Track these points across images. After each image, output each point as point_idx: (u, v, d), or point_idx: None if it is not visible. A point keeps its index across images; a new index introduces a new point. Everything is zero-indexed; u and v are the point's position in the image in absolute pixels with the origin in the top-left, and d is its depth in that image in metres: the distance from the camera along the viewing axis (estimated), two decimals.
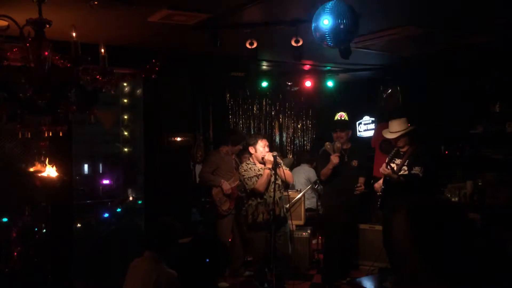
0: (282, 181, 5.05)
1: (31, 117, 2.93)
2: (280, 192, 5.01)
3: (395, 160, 5.42)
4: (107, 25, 4.33)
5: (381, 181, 5.54)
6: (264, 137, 5.21)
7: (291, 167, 7.01)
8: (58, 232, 4.97)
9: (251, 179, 4.91)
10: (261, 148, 4.96)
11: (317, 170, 5.79)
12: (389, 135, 5.41)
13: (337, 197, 5.59)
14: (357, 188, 5.60)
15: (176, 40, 5.03)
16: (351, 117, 7.84)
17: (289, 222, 5.27)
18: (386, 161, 5.50)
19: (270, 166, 4.83)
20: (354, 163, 5.59)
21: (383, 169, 5.37)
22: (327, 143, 5.56)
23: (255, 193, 4.94)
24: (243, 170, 4.99)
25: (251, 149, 5.04)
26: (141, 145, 6.29)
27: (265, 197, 4.91)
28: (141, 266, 3.26)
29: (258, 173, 4.94)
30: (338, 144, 5.44)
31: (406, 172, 5.25)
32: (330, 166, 5.40)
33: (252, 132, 7.46)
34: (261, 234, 4.93)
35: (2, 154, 5.04)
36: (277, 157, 4.92)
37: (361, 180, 5.64)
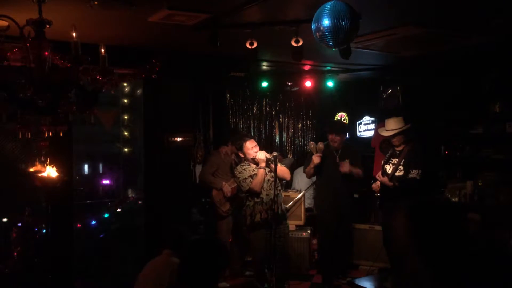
0: (278, 179, 5.02)
1: (31, 117, 2.93)
2: (277, 189, 4.99)
3: (391, 160, 5.44)
4: (107, 25, 4.33)
5: (378, 182, 5.56)
6: (250, 137, 5.11)
7: (292, 167, 7.01)
8: (58, 232, 4.97)
9: (245, 181, 4.85)
10: (250, 151, 4.87)
11: (303, 168, 5.85)
12: (384, 133, 5.47)
13: (329, 198, 5.62)
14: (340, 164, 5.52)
15: (176, 40, 5.03)
16: (351, 117, 7.88)
17: (288, 221, 5.27)
18: (383, 162, 5.52)
19: (263, 165, 4.81)
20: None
21: (379, 176, 5.40)
22: (311, 142, 5.67)
23: (252, 194, 4.92)
24: (237, 172, 4.93)
25: (241, 154, 4.99)
26: (141, 145, 6.30)
27: (261, 196, 4.88)
28: (159, 261, 3.66)
29: (253, 173, 4.87)
30: (321, 145, 5.53)
31: (402, 173, 5.26)
32: (311, 165, 5.51)
33: (252, 133, 7.46)
34: (260, 234, 4.92)
35: (2, 154, 5.04)
36: (277, 157, 4.90)
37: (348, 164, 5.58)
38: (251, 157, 4.86)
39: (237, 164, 6.10)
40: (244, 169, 4.91)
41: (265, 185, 4.84)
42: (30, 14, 2.93)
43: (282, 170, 5.02)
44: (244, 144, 4.90)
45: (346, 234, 5.98)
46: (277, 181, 4.98)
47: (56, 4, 3.40)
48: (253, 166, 4.93)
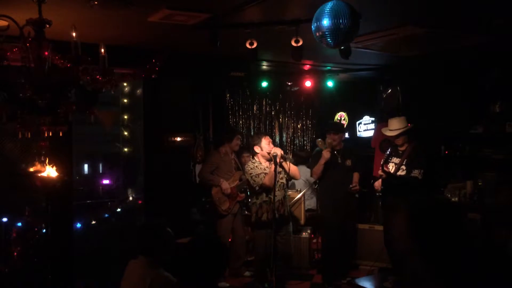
0: (287, 179, 5.14)
1: (31, 117, 2.93)
2: (284, 191, 5.11)
3: (392, 158, 5.44)
4: (107, 25, 4.33)
5: (380, 181, 5.56)
6: (266, 134, 5.33)
7: None
8: (58, 232, 4.96)
9: (258, 176, 5.00)
10: (266, 146, 5.06)
11: (310, 169, 5.85)
12: (388, 133, 5.47)
13: (332, 197, 5.62)
14: (352, 188, 5.62)
15: (176, 40, 5.03)
16: (351, 117, 7.89)
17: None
18: (382, 161, 5.52)
19: (278, 159, 4.88)
20: (348, 162, 5.66)
21: (379, 173, 5.42)
22: (319, 139, 5.65)
23: (262, 190, 5.01)
24: (249, 169, 5.07)
25: (257, 149, 5.12)
26: (141, 145, 6.29)
27: (270, 196, 4.95)
28: (135, 270, 3.13)
29: (264, 171, 5.01)
30: (329, 140, 5.53)
31: (404, 172, 5.27)
32: (322, 161, 5.48)
33: (252, 132, 7.47)
34: (263, 233, 4.99)
35: (2, 154, 5.04)
36: (281, 153, 4.99)
37: (356, 175, 5.68)
38: (268, 151, 4.98)
39: (237, 164, 6.14)
40: (256, 166, 5.06)
41: (275, 186, 4.90)
42: (30, 14, 2.93)
43: (294, 169, 5.17)
44: (262, 139, 5.10)
45: (350, 234, 5.99)
46: (285, 183, 5.10)
47: (56, 4, 3.40)
48: (265, 164, 5.03)
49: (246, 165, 5.21)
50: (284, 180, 5.11)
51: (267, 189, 4.98)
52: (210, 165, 6.05)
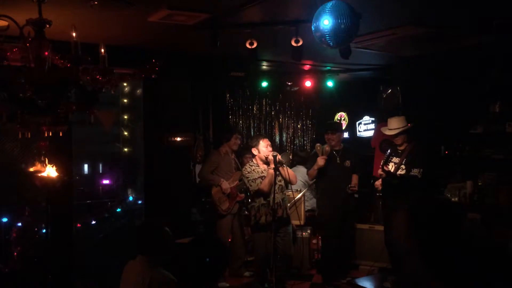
0: (285, 182, 5.07)
1: (31, 117, 2.92)
2: (282, 193, 5.03)
3: (392, 158, 5.45)
4: (107, 25, 4.33)
5: (380, 180, 5.57)
6: (265, 137, 5.24)
7: (288, 164, 7.01)
8: (58, 232, 4.97)
9: (255, 181, 4.92)
10: (263, 148, 4.97)
11: (307, 170, 5.86)
12: (387, 132, 5.48)
13: (331, 198, 5.63)
14: (350, 188, 5.62)
15: (176, 40, 5.04)
16: (351, 117, 7.88)
17: (292, 222, 5.31)
18: (383, 161, 5.53)
19: (273, 166, 4.84)
20: (347, 163, 5.66)
21: (379, 172, 5.42)
22: (318, 144, 5.68)
23: (259, 194, 4.94)
24: (246, 172, 5.00)
25: (254, 151, 5.05)
26: (141, 145, 6.30)
27: (268, 199, 4.91)
28: (134, 269, 3.11)
29: (262, 174, 4.94)
30: (327, 148, 5.54)
31: (404, 172, 5.28)
32: (315, 167, 5.53)
33: (252, 132, 7.47)
34: (263, 234, 4.96)
35: (2, 154, 5.04)
36: (278, 157, 4.92)
37: (355, 177, 5.68)
38: (265, 155, 4.91)
39: (237, 164, 6.14)
40: (254, 170, 4.96)
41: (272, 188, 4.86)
42: (30, 14, 2.93)
43: (292, 175, 5.11)
44: (260, 141, 5.00)
45: (349, 234, 6.00)
46: (283, 185, 5.05)
47: (56, 4, 3.41)
48: (262, 167, 4.97)
49: (244, 168, 5.14)
50: (282, 183, 5.03)
51: (264, 194, 4.92)
52: (210, 165, 6.05)
